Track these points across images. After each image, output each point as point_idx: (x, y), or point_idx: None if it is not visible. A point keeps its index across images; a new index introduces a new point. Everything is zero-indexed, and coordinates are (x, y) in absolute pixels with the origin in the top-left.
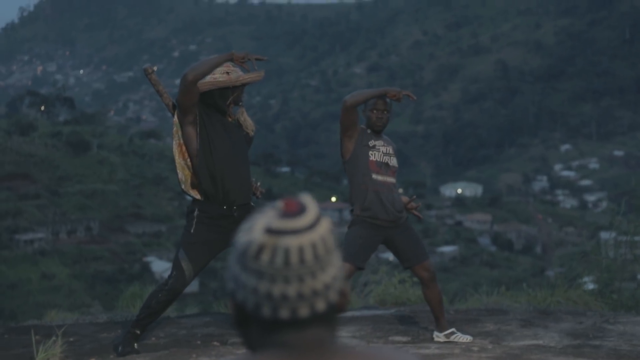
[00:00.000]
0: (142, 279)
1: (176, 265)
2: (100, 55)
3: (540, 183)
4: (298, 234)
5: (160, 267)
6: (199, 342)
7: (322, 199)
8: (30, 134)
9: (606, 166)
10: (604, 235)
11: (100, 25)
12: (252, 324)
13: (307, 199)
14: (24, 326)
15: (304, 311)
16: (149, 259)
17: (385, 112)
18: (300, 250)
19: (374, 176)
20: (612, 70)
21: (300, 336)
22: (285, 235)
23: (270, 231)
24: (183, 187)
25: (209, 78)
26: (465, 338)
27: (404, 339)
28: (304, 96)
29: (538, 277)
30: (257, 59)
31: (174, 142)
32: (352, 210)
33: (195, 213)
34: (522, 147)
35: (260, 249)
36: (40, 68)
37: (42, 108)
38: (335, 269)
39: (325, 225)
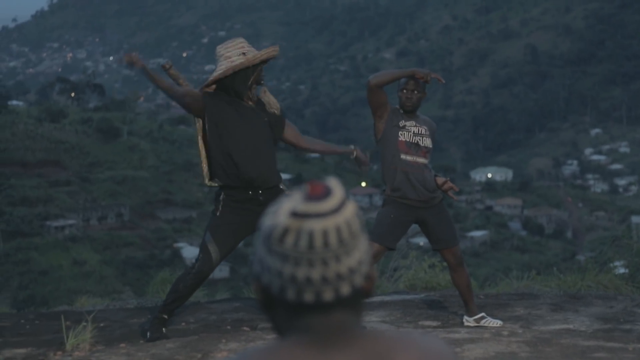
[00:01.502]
0: (173, 265)
1: (203, 249)
2: (129, 42)
3: (571, 167)
4: (322, 217)
5: (191, 253)
6: (228, 327)
7: (352, 184)
8: (60, 121)
9: (637, 150)
10: (635, 219)
11: (130, 12)
12: (277, 307)
13: (334, 183)
14: (55, 312)
15: (328, 295)
16: (180, 244)
17: (415, 92)
18: (325, 233)
19: (403, 156)
20: None
21: (325, 320)
22: (309, 218)
23: (294, 214)
24: (205, 180)
25: (225, 63)
26: (496, 322)
27: (434, 323)
28: (334, 81)
29: (569, 261)
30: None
31: (197, 135)
32: (384, 190)
33: (222, 197)
34: (552, 131)
35: (285, 232)
36: (70, 55)
37: (72, 95)
38: (361, 253)
39: (350, 209)
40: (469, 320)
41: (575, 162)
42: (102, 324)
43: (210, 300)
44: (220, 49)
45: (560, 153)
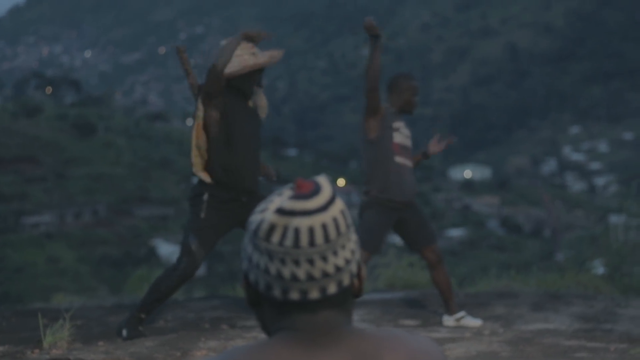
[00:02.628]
0: (149, 263)
1: (187, 251)
2: (106, 37)
3: (549, 166)
4: (309, 215)
5: (167, 250)
6: (207, 325)
7: (330, 182)
8: (36, 117)
9: (616, 149)
10: (614, 218)
11: (107, 7)
12: (264, 304)
13: (323, 181)
14: (31, 309)
15: (314, 294)
16: (156, 242)
17: None
18: (311, 231)
19: (397, 159)
20: (622, 52)
21: (312, 319)
22: (295, 215)
23: (281, 211)
24: (194, 169)
25: (237, 61)
26: (475, 322)
27: (414, 322)
28: (312, 78)
29: (547, 260)
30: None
31: (194, 123)
32: (367, 191)
33: (205, 197)
34: (531, 129)
35: (271, 229)
36: (46, 50)
37: (49, 90)
38: (348, 252)
39: (338, 208)
40: (448, 320)
41: (554, 160)
42: (79, 322)
43: (188, 299)
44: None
45: (539, 151)
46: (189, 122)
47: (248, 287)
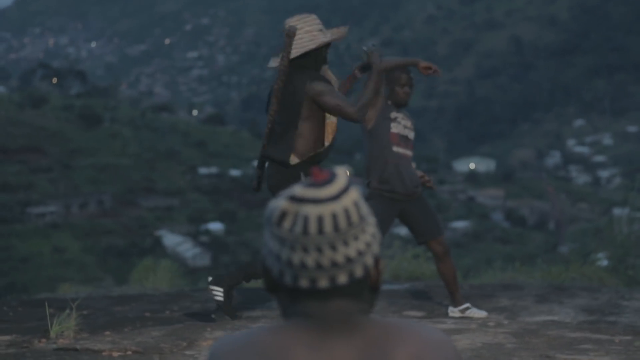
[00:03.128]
0: (154, 253)
1: None
2: (112, 28)
3: (554, 159)
4: (319, 203)
5: (172, 240)
6: (213, 315)
7: (349, 174)
8: (42, 107)
9: (620, 142)
10: (617, 211)
11: None
12: (280, 290)
13: (341, 172)
14: (38, 299)
15: (323, 282)
16: (161, 232)
17: (411, 88)
18: (320, 219)
19: (395, 149)
20: (627, 45)
21: (323, 307)
22: (306, 203)
23: (293, 198)
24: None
25: (308, 38)
26: (481, 313)
27: (419, 314)
28: None
29: (551, 253)
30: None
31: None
32: (368, 183)
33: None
34: (535, 122)
35: (282, 215)
36: (52, 41)
37: (54, 81)
38: (362, 244)
39: (351, 199)
40: (454, 311)
41: (558, 153)
42: (85, 312)
43: (194, 289)
44: (299, 23)
45: (543, 144)
46: (195, 112)
47: (265, 273)
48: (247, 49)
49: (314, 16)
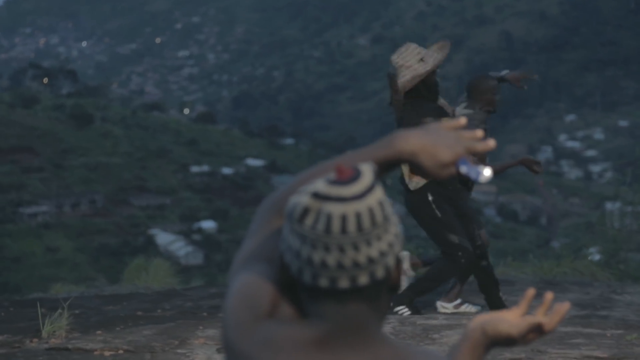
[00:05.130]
0: (147, 252)
1: (456, 247)
2: (103, 28)
3: (545, 154)
4: (343, 201)
5: (164, 239)
6: (205, 314)
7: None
8: (33, 107)
9: (611, 136)
10: (609, 206)
11: None
12: (299, 289)
13: (366, 169)
14: (29, 299)
15: (344, 283)
16: (153, 231)
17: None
18: (343, 218)
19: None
20: (617, 40)
21: (341, 310)
22: (329, 201)
23: (316, 195)
24: (406, 178)
25: (409, 72)
26: (474, 308)
27: (408, 312)
28: (308, 68)
29: (543, 248)
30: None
31: None
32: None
33: (430, 197)
34: (526, 117)
35: (305, 212)
36: (43, 40)
37: (45, 81)
38: (385, 244)
39: (376, 198)
40: (445, 307)
41: (549, 148)
42: (77, 311)
43: (186, 288)
44: (398, 59)
45: (534, 139)
46: (186, 111)
47: (282, 269)
48: (238, 47)
49: (413, 46)
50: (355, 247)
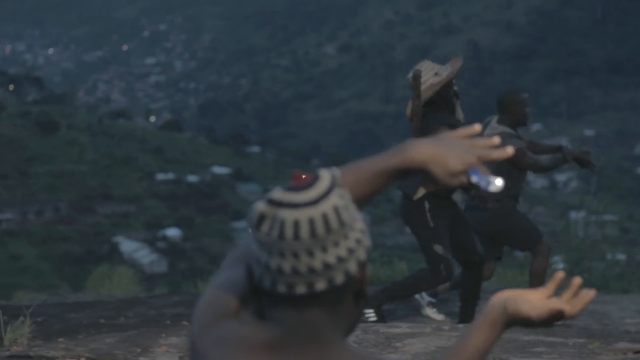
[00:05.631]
0: (111, 260)
1: (439, 258)
2: (69, 35)
3: None
4: (296, 208)
5: (129, 247)
6: (168, 322)
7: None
8: None
9: (576, 146)
10: (574, 215)
11: (70, 4)
12: (262, 294)
13: (324, 175)
14: None
15: (300, 288)
16: (118, 239)
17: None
18: (296, 224)
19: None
20: (583, 50)
21: (297, 315)
22: (283, 207)
23: (271, 202)
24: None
25: (427, 85)
26: (439, 316)
27: (373, 318)
28: (275, 76)
29: (507, 257)
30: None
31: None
32: (500, 199)
33: (427, 206)
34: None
35: (261, 218)
36: (8, 47)
37: (11, 88)
38: (343, 250)
39: (331, 204)
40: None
41: None
42: (39, 319)
43: (150, 295)
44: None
45: None
46: (152, 119)
47: (249, 275)
48: (205, 55)
49: (427, 63)
50: (310, 253)
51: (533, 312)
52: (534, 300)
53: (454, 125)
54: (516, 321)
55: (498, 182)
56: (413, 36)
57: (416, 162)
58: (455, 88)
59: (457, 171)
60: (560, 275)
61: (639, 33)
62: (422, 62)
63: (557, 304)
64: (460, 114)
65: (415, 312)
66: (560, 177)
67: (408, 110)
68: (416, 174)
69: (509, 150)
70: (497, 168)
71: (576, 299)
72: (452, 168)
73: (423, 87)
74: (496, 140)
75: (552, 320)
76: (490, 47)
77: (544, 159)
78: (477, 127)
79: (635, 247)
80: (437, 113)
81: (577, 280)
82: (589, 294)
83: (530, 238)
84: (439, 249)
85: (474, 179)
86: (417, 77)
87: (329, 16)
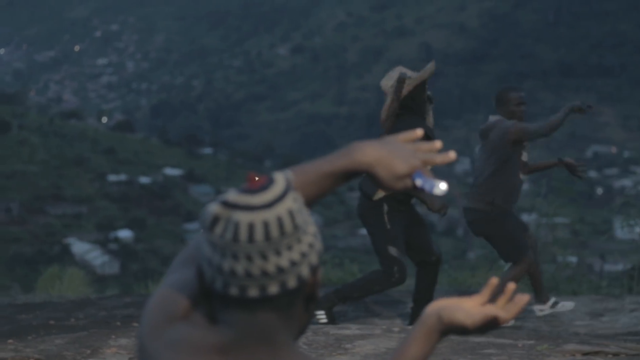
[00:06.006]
0: (62, 261)
1: (393, 260)
2: (20, 35)
3: (463, 165)
4: (251, 210)
5: (81, 248)
6: (118, 323)
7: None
8: None
9: (529, 148)
10: (525, 217)
11: (21, 4)
12: (213, 296)
13: (279, 178)
14: None
15: (253, 292)
16: (69, 240)
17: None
18: (251, 227)
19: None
20: (536, 53)
21: (249, 319)
22: (238, 209)
23: (226, 204)
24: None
25: (392, 91)
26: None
27: (324, 319)
28: (228, 77)
29: (459, 259)
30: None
31: None
32: (492, 201)
33: (385, 209)
34: (445, 129)
35: (215, 220)
36: None
37: None
38: (296, 254)
39: (286, 207)
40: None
41: (467, 160)
42: None
43: (100, 297)
44: (386, 84)
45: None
46: (104, 119)
47: (200, 276)
48: (157, 55)
49: (398, 69)
50: (264, 256)
51: (468, 320)
52: (468, 308)
53: (424, 131)
54: (452, 330)
55: (442, 186)
56: (366, 38)
57: (362, 165)
58: (429, 93)
59: (402, 174)
60: (493, 282)
61: (591, 36)
62: (396, 68)
63: (492, 310)
64: (431, 119)
65: (366, 314)
66: None
67: (383, 114)
68: (362, 176)
69: (451, 155)
70: (499, 167)
71: (511, 304)
72: (397, 171)
73: (392, 89)
74: (438, 144)
75: (487, 327)
76: (443, 49)
77: (551, 118)
78: (419, 132)
79: (585, 250)
80: (407, 117)
81: (511, 286)
82: (524, 298)
83: (515, 251)
84: (393, 251)
85: (419, 182)
86: (401, 80)
87: (282, 17)
